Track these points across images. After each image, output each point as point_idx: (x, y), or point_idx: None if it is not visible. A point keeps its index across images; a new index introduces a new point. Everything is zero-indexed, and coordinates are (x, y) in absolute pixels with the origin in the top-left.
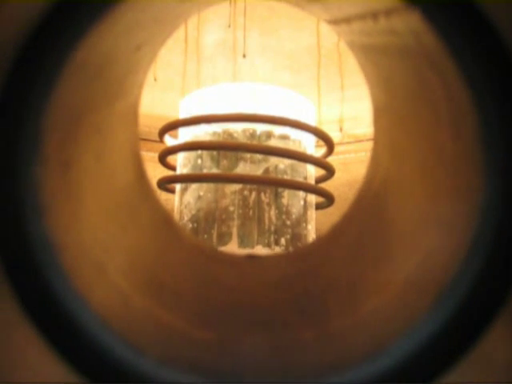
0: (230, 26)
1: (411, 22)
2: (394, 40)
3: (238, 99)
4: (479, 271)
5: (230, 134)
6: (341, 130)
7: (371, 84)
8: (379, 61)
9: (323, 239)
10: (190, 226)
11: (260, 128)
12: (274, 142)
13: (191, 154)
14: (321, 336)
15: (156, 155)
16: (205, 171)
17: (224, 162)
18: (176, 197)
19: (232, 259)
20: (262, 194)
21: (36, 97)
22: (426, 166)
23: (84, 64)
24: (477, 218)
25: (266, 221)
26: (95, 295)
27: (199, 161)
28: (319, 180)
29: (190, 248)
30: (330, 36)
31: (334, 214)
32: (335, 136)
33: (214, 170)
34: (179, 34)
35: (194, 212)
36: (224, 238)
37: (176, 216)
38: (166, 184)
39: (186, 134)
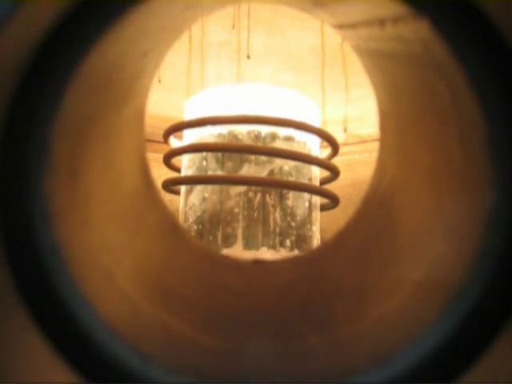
0: (234, 27)
1: (419, 30)
2: (401, 47)
3: (243, 101)
4: (488, 277)
5: (235, 136)
6: (345, 130)
7: (377, 88)
8: (385, 66)
9: (329, 244)
10: (195, 227)
11: (265, 130)
12: (278, 144)
13: (196, 156)
14: (327, 342)
15: (160, 156)
16: (210, 173)
17: (229, 164)
18: (181, 198)
19: (238, 264)
20: (267, 196)
21: (45, 107)
22: (434, 171)
23: (92, 73)
24: (485, 224)
25: (271, 222)
26: (103, 302)
27: (204, 162)
28: (324, 181)
29: (196, 253)
30: (334, 36)
31: (338, 214)
32: (340, 137)
33: (219, 172)
34: (183, 35)
35: (198, 214)
36: (229, 239)
37: (181, 218)
38: (170, 185)
39: (190, 136)
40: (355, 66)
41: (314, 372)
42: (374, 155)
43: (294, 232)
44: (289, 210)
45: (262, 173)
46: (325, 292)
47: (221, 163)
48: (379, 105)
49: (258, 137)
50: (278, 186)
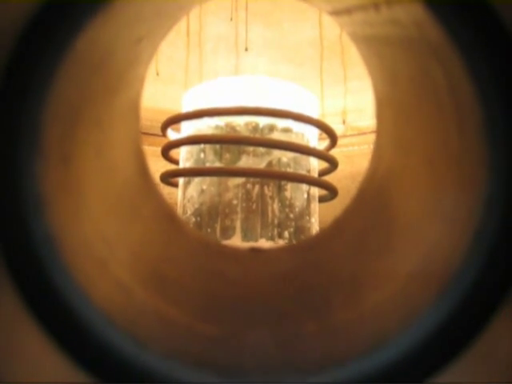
0: (232, 20)
1: (414, 12)
2: (397, 30)
3: (241, 92)
4: (483, 264)
5: (233, 128)
6: (344, 122)
7: (374, 76)
8: (382, 52)
9: (326, 232)
10: (194, 219)
11: (263, 121)
12: (276, 135)
13: (194, 148)
14: (324, 329)
15: (158, 149)
16: (208, 165)
17: (227, 156)
18: (179, 191)
19: (235, 252)
20: (265, 188)
21: (35, 90)
22: (430, 159)
23: (83, 57)
24: (480, 211)
25: (270, 214)
26: (98, 290)
27: (202, 155)
28: (322, 173)
29: (193, 242)
30: (332, 28)
31: (337, 206)
32: (338, 128)
33: (217, 164)
34: (181, 27)
35: (197, 206)
36: (227, 231)
37: (179, 210)
38: (168, 178)
39: (188, 128)
40: (354, 57)
41: (311, 359)
42: (373, 146)
43: (293, 223)
44: (287, 202)
45: (260, 164)
46: (321, 280)
47: (219, 155)
48: (376, 93)
49: (255, 128)
50: (277, 177)
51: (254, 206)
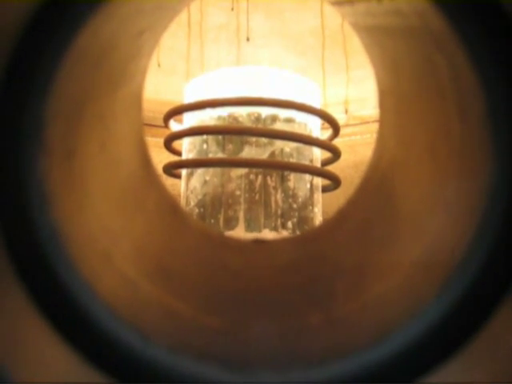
0: (233, 10)
1: (415, 2)
2: (399, 21)
3: (243, 83)
4: (486, 254)
5: (235, 118)
6: (346, 111)
7: (376, 66)
8: (384, 42)
9: (330, 223)
10: (197, 210)
11: (265, 111)
12: (279, 126)
13: (197, 139)
14: (328, 321)
15: (161, 140)
16: (210, 156)
17: (229, 147)
18: (182, 182)
19: (239, 244)
20: (268, 178)
21: (37, 85)
22: (433, 149)
23: (85, 51)
24: (484, 201)
25: (273, 204)
26: (102, 284)
27: (205, 146)
28: (325, 163)
29: (197, 234)
30: (334, 17)
31: (340, 196)
32: (341, 118)
33: (220, 155)
34: (182, 18)
35: (200, 197)
36: (231, 222)
37: (182, 201)
38: (171, 169)
39: (190, 119)
40: (356, 47)
41: (315, 350)
42: (376, 136)
43: (296, 214)
44: (290, 192)
45: (263, 155)
46: (325, 271)
47: (221, 146)
48: (379, 83)
49: (258, 119)
50: (279, 167)
51: (257, 197)
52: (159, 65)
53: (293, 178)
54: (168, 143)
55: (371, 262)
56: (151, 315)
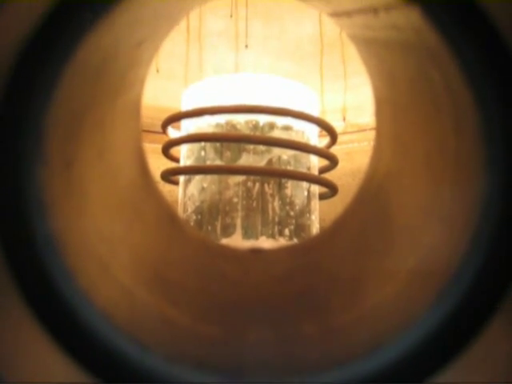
0: (232, 16)
1: (412, 18)
2: (395, 34)
3: (241, 90)
4: (481, 265)
5: (233, 126)
6: (344, 119)
7: (373, 76)
8: (381, 54)
9: (326, 233)
10: (194, 217)
11: (263, 119)
12: (277, 133)
13: (194, 146)
14: (323, 330)
15: (159, 146)
16: (208, 163)
17: (227, 154)
18: (180, 189)
19: (236, 253)
20: (266, 185)
21: (38, 96)
22: (428, 158)
23: (85, 62)
24: (478, 212)
25: (270, 212)
26: (100, 293)
27: (202, 152)
28: (322, 170)
29: (194, 243)
30: (332, 25)
31: (337, 203)
32: (338, 125)
33: (218, 162)
34: (181, 24)
35: (197, 204)
36: (228, 229)
37: (180, 208)
38: (169, 176)
39: (188, 126)
40: (354, 54)
41: (311, 360)
42: (372, 146)
43: (293, 221)
44: (287, 200)
45: (261, 162)
46: (321, 281)
47: (219, 153)
48: (375, 93)
49: (256, 126)
50: (277, 175)
51: (255, 204)
52: (158, 70)
53: (290, 186)
54: (166, 150)
55: (367, 272)
56: (148, 324)
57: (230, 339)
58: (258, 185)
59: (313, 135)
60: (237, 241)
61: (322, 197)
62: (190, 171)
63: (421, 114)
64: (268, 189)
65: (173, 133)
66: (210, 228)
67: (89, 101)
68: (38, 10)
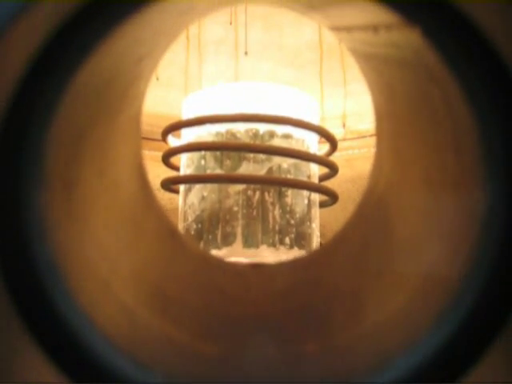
0: (231, 24)
1: (411, 38)
2: (395, 52)
3: (241, 98)
4: (483, 284)
5: (233, 134)
6: (344, 126)
7: (373, 90)
8: (380, 69)
9: (327, 247)
10: (195, 226)
11: (263, 128)
12: (277, 142)
13: (194, 155)
14: (325, 347)
15: (159, 154)
16: (208, 172)
17: (227, 163)
18: (180, 197)
19: (237, 269)
20: (266, 194)
21: (38, 120)
22: (428, 173)
23: (87, 83)
24: (480, 224)
25: (271, 220)
26: (101, 312)
27: (202, 161)
28: (323, 178)
29: (194, 258)
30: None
31: (338, 211)
32: (338, 132)
33: (218, 171)
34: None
35: (198, 213)
36: (228, 238)
37: (180, 217)
38: (169, 185)
39: (188, 135)
40: (353, 61)
41: (312, 377)
42: (373, 150)
43: (294, 229)
44: (288, 208)
45: (261, 171)
46: (323, 296)
47: (219, 162)
48: (375, 106)
49: (256, 135)
50: (277, 183)
51: (255, 213)
52: (157, 78)
53: (290, 194)
54: (166, 159)
55: (369, 287)
56: (149, 343)
57: (230, 357)
58: (258, 193)
59: (313, 143)
60: (237, 249)
61: (322, 205)
62: (190, 180)
63: (420, 130)
64: (268, 197)
65: (173, 141)
66: (210, 237)
67: (90, 121)
68: (39, 33)
